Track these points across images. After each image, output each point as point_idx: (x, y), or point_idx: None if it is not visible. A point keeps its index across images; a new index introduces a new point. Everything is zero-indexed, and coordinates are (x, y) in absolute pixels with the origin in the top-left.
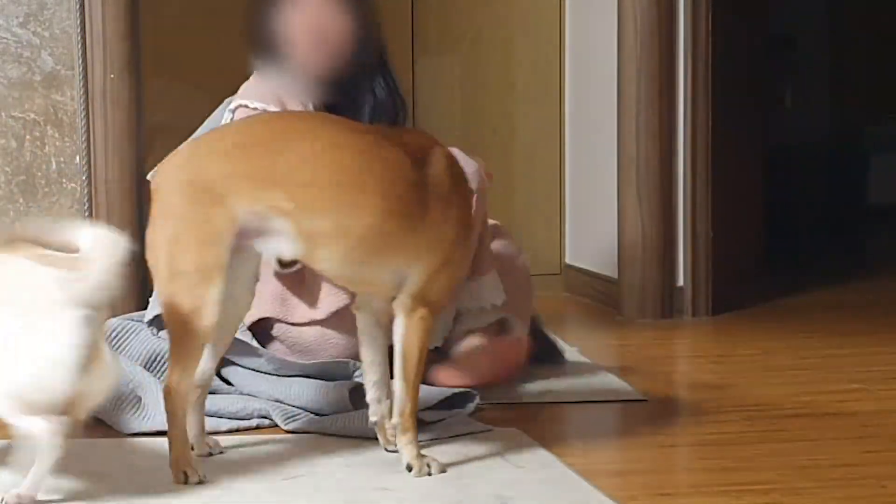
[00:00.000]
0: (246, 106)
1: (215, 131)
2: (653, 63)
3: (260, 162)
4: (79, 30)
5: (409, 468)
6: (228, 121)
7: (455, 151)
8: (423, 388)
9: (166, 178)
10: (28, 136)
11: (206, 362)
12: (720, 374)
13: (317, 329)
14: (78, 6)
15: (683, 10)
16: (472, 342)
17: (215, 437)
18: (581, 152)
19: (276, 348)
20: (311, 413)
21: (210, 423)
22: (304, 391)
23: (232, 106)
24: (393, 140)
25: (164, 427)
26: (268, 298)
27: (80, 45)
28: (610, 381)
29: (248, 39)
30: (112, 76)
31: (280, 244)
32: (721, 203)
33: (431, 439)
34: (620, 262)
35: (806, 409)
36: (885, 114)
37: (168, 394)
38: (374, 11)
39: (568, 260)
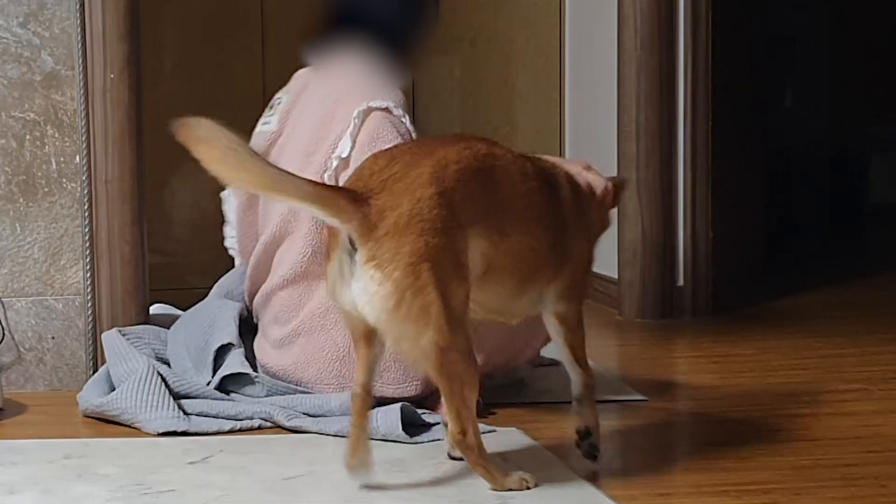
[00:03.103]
0: (390, 111)
1: (439, 156)
2: (653, 63)
3: (488, 196)
4: (79, 30)
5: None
6: (357, 126)
7: (587, 167)
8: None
9: (410, 217)
10: (28, 136)
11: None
12: (720, 374)
13: None
14: (78, 6)
15: (683, 10)
16: None
17: None
18: (581, 152)
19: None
20: (314, 416)
21: (211, 424)
22: (306, 399)
23: (363, 107)
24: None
25: (172, 428)
26: None
27: (80, 45)
28: (610, 381)
29: (329, 20)
30: (112, 76)
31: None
32: (721, 203)
33: (432, 440)
34: (620, 262)
35: (806, 409)
36: (885, 114)
37: (471, 447)
38: None
39: None
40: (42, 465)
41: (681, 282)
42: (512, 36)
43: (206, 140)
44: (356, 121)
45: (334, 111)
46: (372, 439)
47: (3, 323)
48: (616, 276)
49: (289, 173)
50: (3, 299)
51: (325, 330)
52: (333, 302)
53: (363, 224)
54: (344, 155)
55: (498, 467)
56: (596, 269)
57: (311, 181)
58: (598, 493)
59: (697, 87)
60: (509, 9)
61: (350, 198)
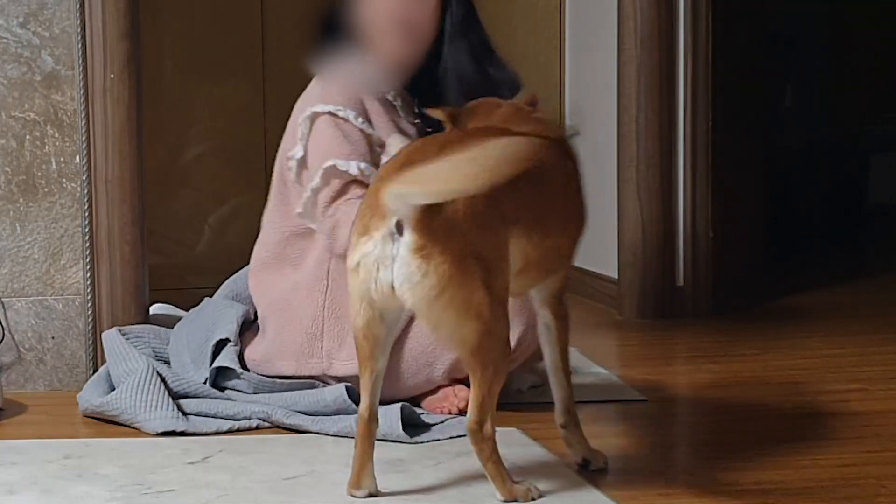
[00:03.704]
0: (333, 114)
1: (469, 152)
2: (653, 63)
3: (533, 196)
4: (79, 30)
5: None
6: (307, 129)
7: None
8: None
9: (466, 212)
10: (28, 136)
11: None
12: (720, 374)
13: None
14: (78, 6)
15: (683, 10)
16: None
17: None
18: (581, 152)
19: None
20: (311, 415)
21: (210, 424)
22: (303, 397)
23: (309, 113)
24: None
25: (171, 428)
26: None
27: (80, 45)
28: (610, 381)
29: (320, 31)
30: (112, 76)
31: None
32: (721, 203)
33: (432, 440)
34: (620, 262)
35: (806, 409)
36: (885, 114)
37: (486, 440)
38: None
39: None
40: (42, 465)
41: (681, 282)
42: (512, 35)
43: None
44: (302, 127)
45: (295, 118)
46: None
47: (3, 323)
48: (616, 276)
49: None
50: (3, 299)
51: (290, 308)
52: (359, 279)
53: (420, 213)
54: (298, 157)
55: (509, 473)
56: (596, 269)
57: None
58: (598, 494)
59: (697, 87)
60: (509, 9)
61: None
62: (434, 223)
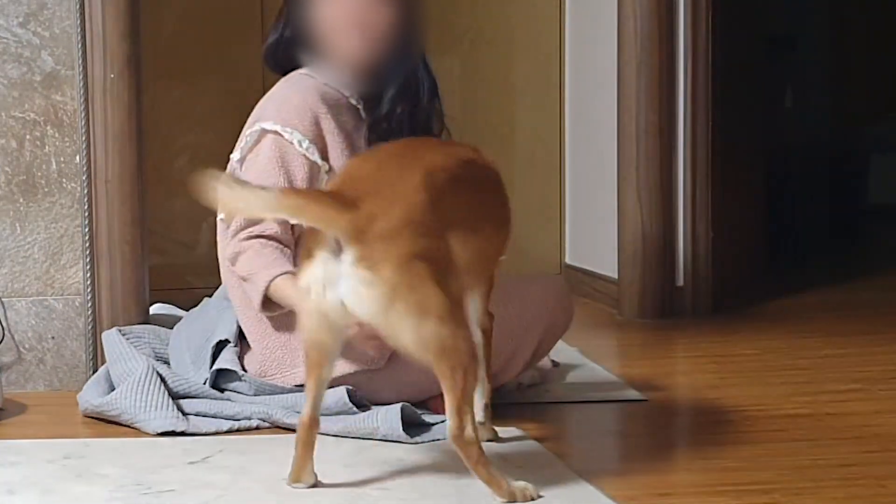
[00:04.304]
0: (279, 134)
1: (427, 162)
2: (653, 63)
3: (467, 202)
4: (79, 30)
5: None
6: (250, 143)
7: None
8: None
9: (403, 222)
10: (28, 136)
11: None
12: (720, 374)
13: None
14: (78, 6)
15: (683, 10)
16: None
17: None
18: (581, 152)
19: None
20: None
21: (210, 425)
22: (303, 398)
23: (256, 129)
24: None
25: (171, 428)
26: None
27: (80, 45)
28: (610, 381)
29: (275, 34)
30: (112, 76)
31: None
32: (721, 203)
33: (432, 440)
34: (620, 262)
35: (806, 409)
36: (885, 114)
37: (470, 444)
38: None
39: (568, 260)
40: (42, 465)
41: (681, 282)
42: (512, 36)
43: (214, 190)
44: (249, 138)
45: (249, 122)
46: (372, 439)
47: (3, 323)
48: (616, 276)
49: (278, 189)
50: (3, 299)
51: (263, 321)
52: (311, 301)
53: (352, 227)
54: (236, 158)
55: (500, 472)
56: (596, 269)
57: (297, 191)
58: (598, 493)
59: (697, 87)
60: (509, 9)
61: (337, 204)
62: (369, 234)
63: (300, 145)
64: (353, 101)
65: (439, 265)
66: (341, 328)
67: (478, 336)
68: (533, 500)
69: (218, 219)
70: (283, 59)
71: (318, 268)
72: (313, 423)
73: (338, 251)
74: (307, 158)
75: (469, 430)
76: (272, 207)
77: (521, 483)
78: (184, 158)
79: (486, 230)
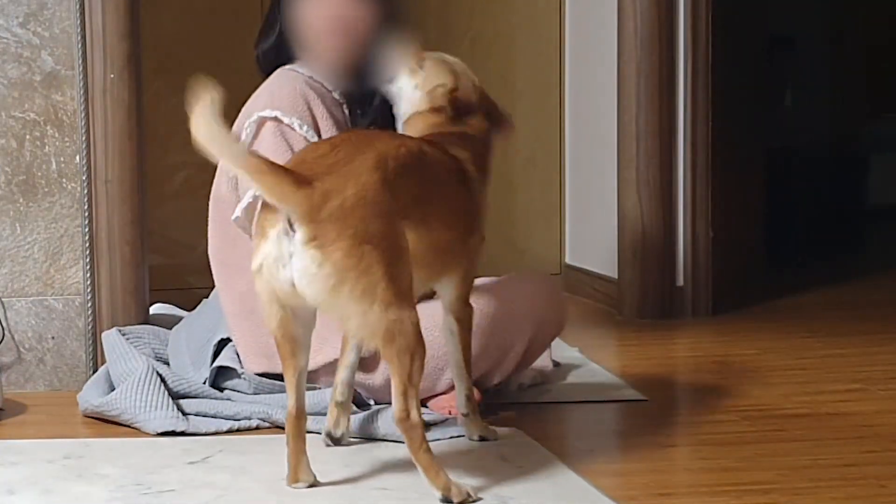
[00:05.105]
0: (278, 120)
1: (379, 147)
2: (653, 63)
3: (418, 191)
4: (79, 30)
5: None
6: (251, 133)
7: None
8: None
9: (356, 200)
10: (28, 136)
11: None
12: (720, 374)
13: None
14: (78, 6)
15: (683, 10)
16: None
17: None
18: (581, 152)
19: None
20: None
21: (210, 425)
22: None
23: (255, 118)
24: (440, 148)
25: (171, 428)
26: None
27: (80, 45)
28: (610, 381)
29: (261, 33)
30: (112, 76)
31: None
32: (721, 203)
33: (432, 440)
34: (620, 262)
35: (806, 409)
36: (885, 114)
37: (414, 427)
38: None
39: (568, 260)
40: (42, 465)
41: (681, 282)
42: (512, 36)
43: (195, 113)
44: (248, 130)
45: (239, 120)
46: (372, 439)
47: (3, 323)
48: (616, 276)
49: (248, 149)
50: (3, 299)
51: (254, 314)
52: (263, 281)
53: (306, 205)
54: None
55: (442, 467)
56: (596, 269)
57: (261, 157)
58: (598, 493)
59: (697, 87)
60: (509, 9)
61: (293, 179)
62: (322, 214)
63: (300, 128)
64: (337, 97)
65: (389, 249)
66: (307, 315)
67: (451, 324)
68: (468, 500)
69: (210, 215)
70: (276, 63)
71: (271, 245)
72: (300, 415)
73: (290, 230)
74: (308, 141)
75: (415, 414)
76: (237, 162)
77: (462, 482)
78: (184, 159)
79: (441, 222)
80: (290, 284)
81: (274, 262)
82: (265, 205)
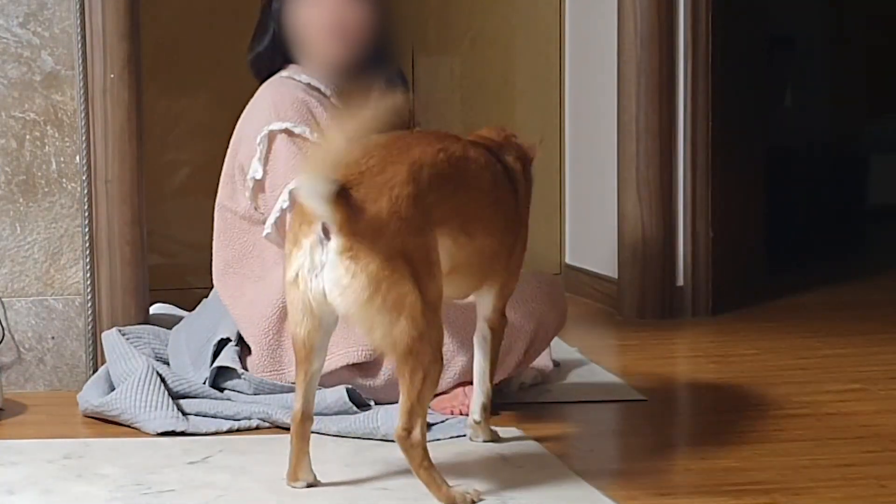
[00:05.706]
0: (289, 132)
1: (414, 156)
2: (653, 63)
3: (458, 199)
4: (79, 30)
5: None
6: (265, 149)
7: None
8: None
9: (389, 215)
10: (28, 136)
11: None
12: (720, 374)
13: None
14: (78, 6)
15: (683, 9)
16: None
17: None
18: (581, 152)
19: None
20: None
21: (210, 425)
22: None
23: (265, 132)
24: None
25: (171, 428)
26: None
27: (80, 45)
28: (610, 381)
29: (255, 37)
30: (112, 76)
31: None
32: (721, 203)
33: (433, 440)
34: (620, 262)
35: (806, 409)
36: (885, 114)
37: (415, 446)
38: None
39: (568, 260)
40: (42, 465)
41: (681, 282)
42: (512, 36)
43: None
44: (261, 146)
45: (240, 130)
46: (372, 439)
47: (3, 323)
48: (616, 276)
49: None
50: (3, 299)
51: (254, 306)
52: (298, 291)
53: (343, 214)
54: (258, 177)
55: (442, 476)
56: (596, 269)
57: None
58: (598, 493)
59: (697, 87)
60: (509, 9)
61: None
62: (359, 225)
63: (311, 136)
64: (334, 101)
65: (420, 265)
66: (328, 323)
67: (485, 331)
68: (474, 502)
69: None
70: (270, 67)
71: (305, 256)
72: (306, 418)
73: (325, 238)
74: None
75: (417, 433)
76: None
77: (462, 488)
78: (184, 159)
79: (483, 229)
80: (321, 294)
81: (309, 272)
82: (297, 215)
